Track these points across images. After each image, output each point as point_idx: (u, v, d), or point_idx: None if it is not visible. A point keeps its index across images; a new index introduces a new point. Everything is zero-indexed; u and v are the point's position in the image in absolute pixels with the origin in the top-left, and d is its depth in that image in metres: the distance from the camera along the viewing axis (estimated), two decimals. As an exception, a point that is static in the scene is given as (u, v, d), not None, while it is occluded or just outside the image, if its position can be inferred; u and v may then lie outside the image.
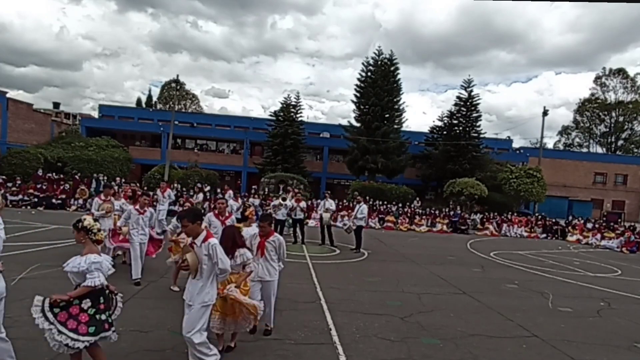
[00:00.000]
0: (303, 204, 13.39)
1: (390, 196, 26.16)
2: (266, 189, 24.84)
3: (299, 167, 30.97)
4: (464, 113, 31.70)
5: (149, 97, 59.17)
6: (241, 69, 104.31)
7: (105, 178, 22.11)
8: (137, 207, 7.27)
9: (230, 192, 16.68)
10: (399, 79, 30.85)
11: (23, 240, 9.60)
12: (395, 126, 30.92)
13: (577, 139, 58.91)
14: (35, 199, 18.31)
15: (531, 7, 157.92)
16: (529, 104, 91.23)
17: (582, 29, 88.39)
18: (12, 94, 30.41)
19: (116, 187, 12.51)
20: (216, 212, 6.87)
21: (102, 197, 8.30)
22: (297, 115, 32.38)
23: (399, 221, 21.02)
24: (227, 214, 6.91)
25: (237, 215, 12.72)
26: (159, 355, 4.28)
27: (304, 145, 32.67)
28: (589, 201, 36.58)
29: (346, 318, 5.85)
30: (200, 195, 19.37)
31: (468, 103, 31.54)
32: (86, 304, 3.32)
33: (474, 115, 31.52)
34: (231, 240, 4.40)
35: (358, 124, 31.01)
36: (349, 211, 17.39)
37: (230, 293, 4.18)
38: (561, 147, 57.33)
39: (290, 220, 13.49)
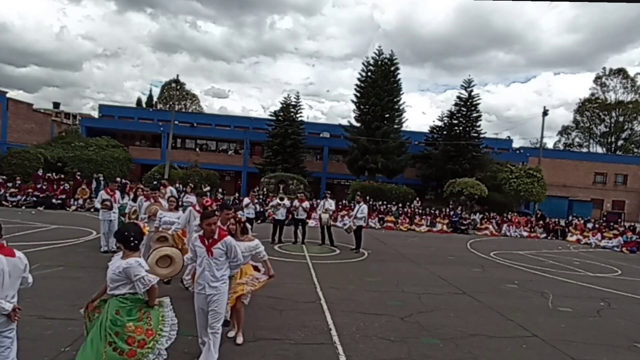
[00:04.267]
0: (306, 204, 13.34)
1: (390, 196, 26.13)
2: (265, 189, 24.83)
3: (299, 167, 30.95)
4: (464, 113, 31.67)
5: (150, 97, 59.22)
6: (241, 69, 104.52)
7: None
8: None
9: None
10: (399, 79, 30.83)
11: (23, 240, 9.58)
12: (395, 126, 30.90)
13: (577, 139, 58.95)
14: (35, 199, 18.31)
15: (529, 7, 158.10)
16: (528, 104, 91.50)
17: (580, 29, 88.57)
18: (12, 94, 30.49)
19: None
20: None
21: (151, 200, 7.59)
22: (297, 115, 32.36)
23: (399, 221, 20.99)
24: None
25: (250, 214, 12.78)
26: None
27: (304, 145, 32.65)
28: (589, 201, 36.55)
29: (346, 318, 5.85)
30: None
31: (468, 103, 31.52)
32: None
33: (474, 115, 31.49)
34: None
35: (358, 124, 30.97)
36: (349, 211, 17.37)
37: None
38: (561, 147, 57.31)
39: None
